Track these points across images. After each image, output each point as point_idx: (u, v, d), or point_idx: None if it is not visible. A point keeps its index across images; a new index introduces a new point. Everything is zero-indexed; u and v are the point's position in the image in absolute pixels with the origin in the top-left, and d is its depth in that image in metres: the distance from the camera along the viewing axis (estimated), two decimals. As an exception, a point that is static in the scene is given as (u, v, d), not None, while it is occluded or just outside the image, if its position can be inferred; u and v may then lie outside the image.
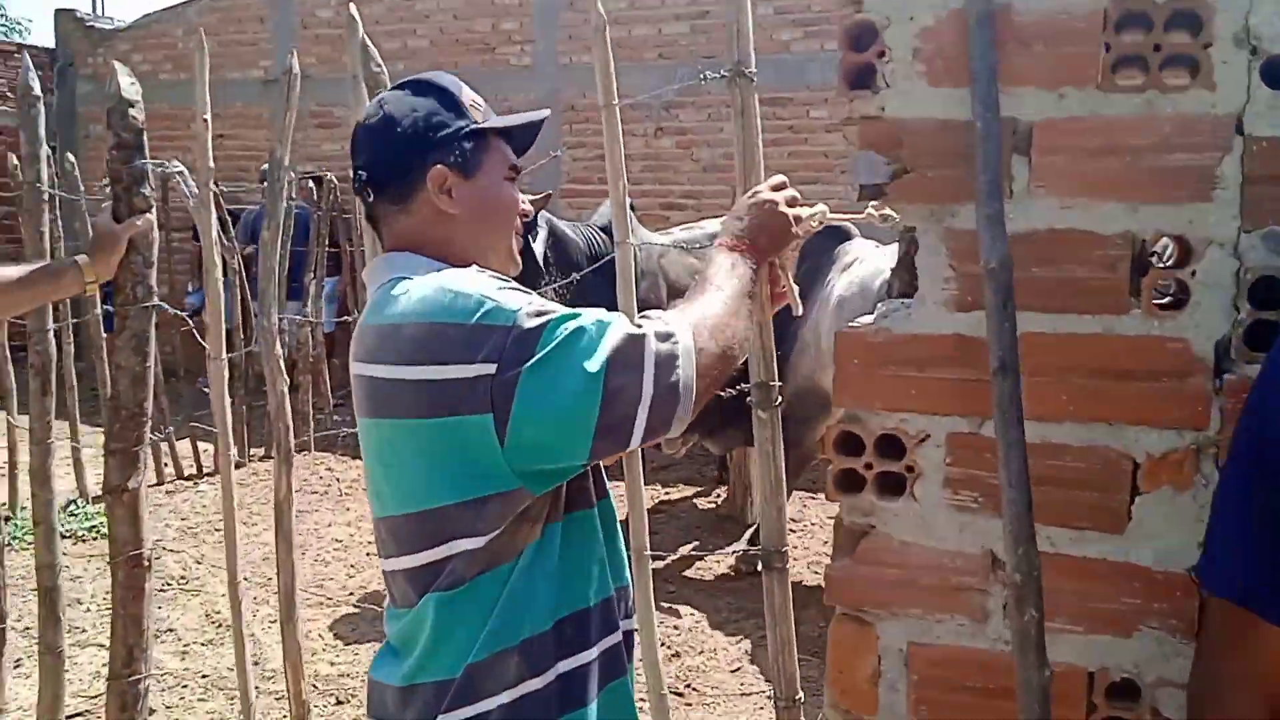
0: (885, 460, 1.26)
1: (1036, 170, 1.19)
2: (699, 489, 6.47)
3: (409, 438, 1.30)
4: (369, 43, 2.10)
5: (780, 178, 1.60)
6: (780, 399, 1.79)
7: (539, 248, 4.81)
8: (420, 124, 1.41)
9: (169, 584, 4.92)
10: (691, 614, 4.58)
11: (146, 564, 2.17)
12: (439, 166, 1.40)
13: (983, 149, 1.15)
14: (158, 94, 9.95)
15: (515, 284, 1.35)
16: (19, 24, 20.31)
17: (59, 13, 10.20)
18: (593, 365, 1.21)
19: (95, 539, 5.45)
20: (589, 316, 1.27)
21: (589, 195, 8.43)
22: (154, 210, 2.11)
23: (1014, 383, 1.11)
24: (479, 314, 1.25)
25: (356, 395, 1.37)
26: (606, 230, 4.76)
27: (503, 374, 1.22)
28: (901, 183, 1.25)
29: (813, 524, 5.73)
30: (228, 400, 2.57)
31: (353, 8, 2.18)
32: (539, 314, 1.25)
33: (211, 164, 2.35)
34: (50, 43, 10.43)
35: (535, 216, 4.89)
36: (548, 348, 1.23)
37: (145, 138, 2.10)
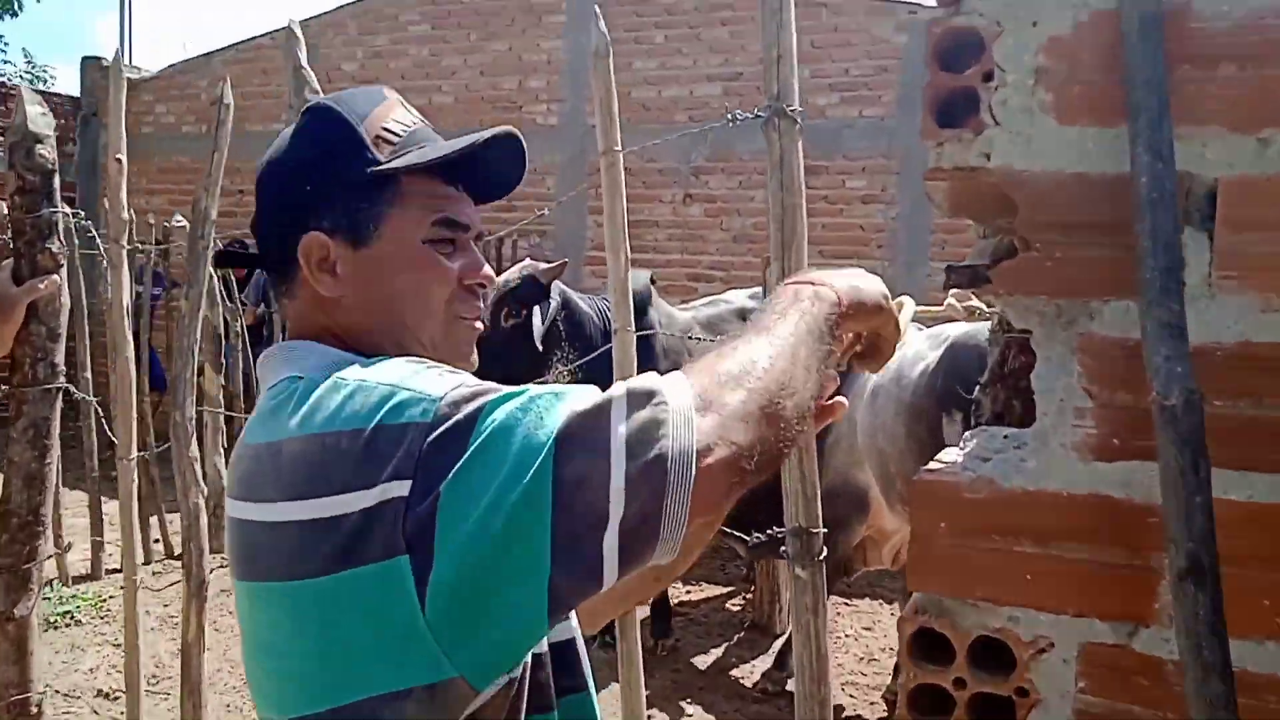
0: (985, 677, 0.85)
1: (1223, 252, 0.79)
2: (728, 590, 5.95)
3: (294, 608, 0.89)
4: (305, 67, 1.76)
5: (906, 298, 1.18)
6: (825, 552, 1.37)
7: (543, 322, 4.44)
8: (297, 173, 1.04)
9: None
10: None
11: (36, 711, 1.76)
12: (312, 234, 1.02)
13: (1151, 218, 0.75)
14: (179, 146, 9.81)
15: (450, 368, 0.96)
16: (45, 70, 20.40)
17: (85, 61, 10.12)
18: (537, 457, 0.81)
19: None
20: (541, 390, 0.87)
21: (612, 260, 8.11)
22: (67, 269, 1.74)
23: (1214, 592, 0.69)
24: (383, 411, 0.86)
25: (228, 547, 0.98)
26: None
27: (420, 495, 0.82)
28: (1013, 266, 0.85)
29: (847, 636, 5.21)
30: (135, 506, 2.17)
31: (294, 23, 1.84)
32: (470, 399, 0.86)
33: (126, 214, 1.99)
34: (76, 91, 10.35)
35: (548, 287, 4.53)
36: (477, 444, 0.83)
37: (57, 180, 1.74)
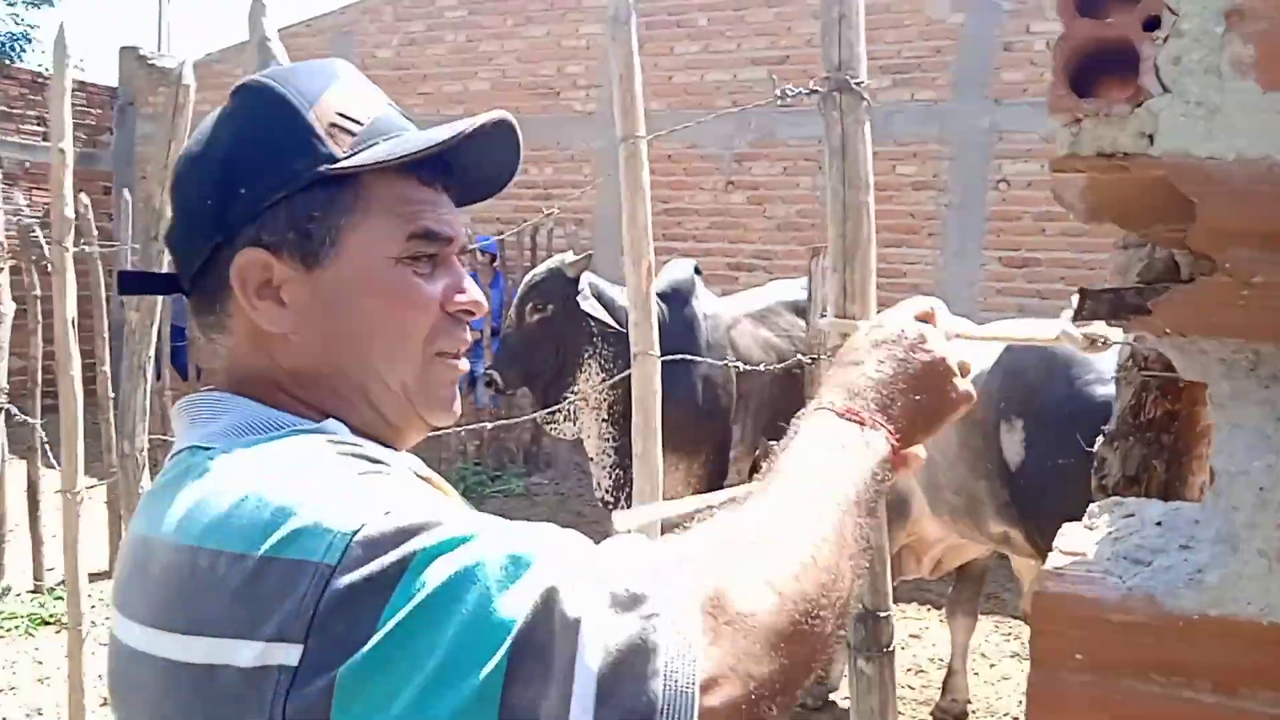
0: None
1: None
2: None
3: None
4: (272, 37, 1.54)
5: (930, 302, 0.93)
6: (891, 643, 1.13)
7: (606, 310, 4.23)
8: (229, 171, 0.82)
9: None
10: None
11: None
12: (249, 252, 0.80)
13: None
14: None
15: (389, 464, 0.74)
16: (79, 63, 20.46)
17: (123, 50, 10.06)
18: (480, 666, 0.58)
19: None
20: (497, 544, 0.63)
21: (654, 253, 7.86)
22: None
23: None
24: (274, 538, 0.63)
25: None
26: (664, 297, 4.13)
27: (310, 672, 0.60)
28: (1189, 294, 0.60)
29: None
30: (80, 552, 1.96)
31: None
32: (396, 540, 0.62)
33: (70, 213, 1.79)
34: (112, 81, 10.30)
35: (576, 279, 4.30)
36: (396, 619, 0.59)
37: None
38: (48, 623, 5.21)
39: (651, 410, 1.62)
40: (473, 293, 0.87)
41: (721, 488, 5.11)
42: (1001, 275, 6.90)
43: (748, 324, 4.82)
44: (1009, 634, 5.27)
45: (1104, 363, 3.04)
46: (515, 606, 0.59)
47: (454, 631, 0.58)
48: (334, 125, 0.82)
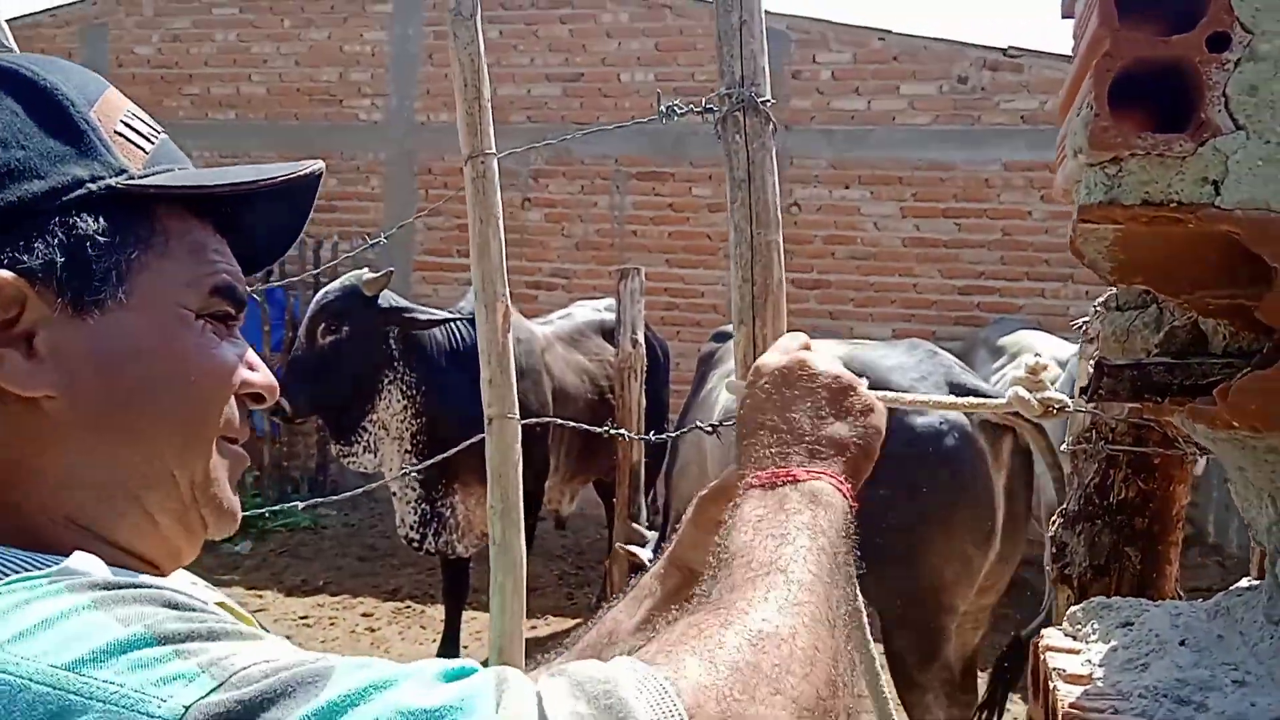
0: None
1: None
2: (576, 622, 5.54)
3: None
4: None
5: (798, 337, 0.88)
6: None
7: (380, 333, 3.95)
8: None
9: None
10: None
11: None
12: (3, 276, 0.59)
13: None
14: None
15: (195, 600, 0.55)
16: None
17: None
18: None
19: None
20: (395, 694, 0.48)
21: (447, 269, 7.56)
22: None
23: None
24: None
25: None
26: (472, 320, 3.91)
27: None
28: (1263, 383, 0.49)
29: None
30: None
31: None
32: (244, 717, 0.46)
33: None
34: None
35: (375, 298, 4.00)
36: None
37: None
38: None
39: (510, 485, 1.41)
40: (267, 374, 0.70)
41: (536, 518, 4.93)
42: (795, 297, 7.08)
43: (560, 348, 4.66)
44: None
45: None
46: None
47: None
48: (120, 133, 0.65)
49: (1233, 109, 0.49)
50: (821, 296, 7.04)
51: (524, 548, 1.64)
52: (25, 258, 0.59)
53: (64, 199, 0.61)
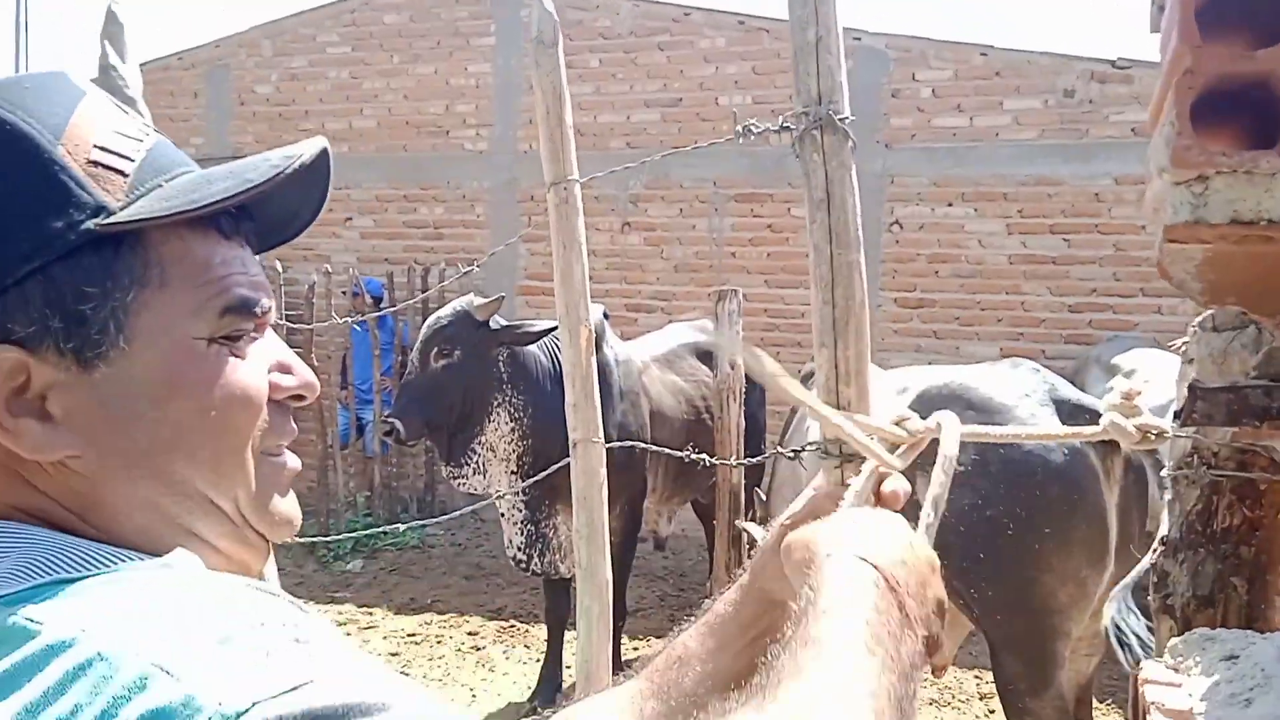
0: None
1: None
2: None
3: None
4: (119, 65, 1.34)
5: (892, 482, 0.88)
6: None
7: (490, 358, 4.07)
8: None
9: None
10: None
11: None
12: None
13: None
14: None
15: (275, 609, 0.56)
16: None
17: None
18: None
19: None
20: None
21: (549, 294, 7.67)
22: None
23: None
24: None
25: None
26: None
27: None
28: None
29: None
30: None
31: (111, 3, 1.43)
32: None
33: None
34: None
35: (488, 323, 4.11)
36: None
37: None
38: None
39: (595, 509, 1.43)
40: (302, 372, 0.69)
41: (636, 540, 4.96)
42: (898, 316, 6.99)
43: (656, 369, 4.70)
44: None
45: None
46: None
47: None
48: (94, 163, 0.61)
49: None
50: (925, 315, 6.93)
51: (609, 572, 1.65)
52: (17, 327, 0.59)
53: (43, 257, 0.58)
